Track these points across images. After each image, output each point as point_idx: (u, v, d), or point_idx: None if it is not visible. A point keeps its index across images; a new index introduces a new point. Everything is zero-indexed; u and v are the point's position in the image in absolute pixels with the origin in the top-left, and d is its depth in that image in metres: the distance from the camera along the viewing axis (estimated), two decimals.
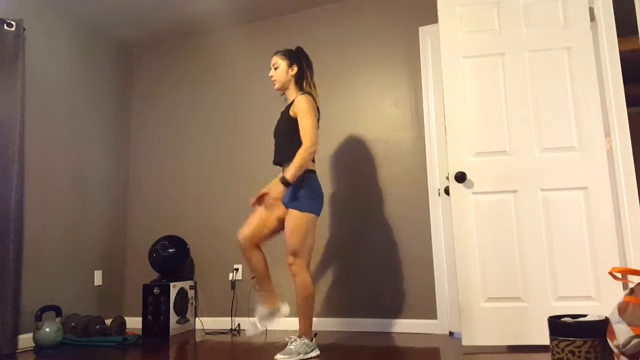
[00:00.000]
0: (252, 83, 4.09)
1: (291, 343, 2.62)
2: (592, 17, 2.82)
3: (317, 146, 2.69)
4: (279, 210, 2.76)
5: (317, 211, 2.71)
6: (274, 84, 2.90)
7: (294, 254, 2.65)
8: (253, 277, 2.83)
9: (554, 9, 2.83)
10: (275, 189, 2.62)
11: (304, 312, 2.66)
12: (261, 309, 2.77)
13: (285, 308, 2.80)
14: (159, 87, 4.47)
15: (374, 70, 3.72)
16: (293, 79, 2.87)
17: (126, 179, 4.40)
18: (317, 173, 3.76)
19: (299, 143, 2.69)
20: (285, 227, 2.70)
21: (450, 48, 2.92)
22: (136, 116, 4.51)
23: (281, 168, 2.83)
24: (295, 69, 2.87)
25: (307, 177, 2.72)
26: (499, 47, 2.87)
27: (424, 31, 3.57)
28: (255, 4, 3.90)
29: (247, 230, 2.74)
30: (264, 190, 2.64)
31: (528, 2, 2.87)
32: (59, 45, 3.84)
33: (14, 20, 3.34)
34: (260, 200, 2.70)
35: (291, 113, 2.76)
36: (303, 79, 2.87)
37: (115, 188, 4.27)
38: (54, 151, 3.71)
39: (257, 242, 2.75)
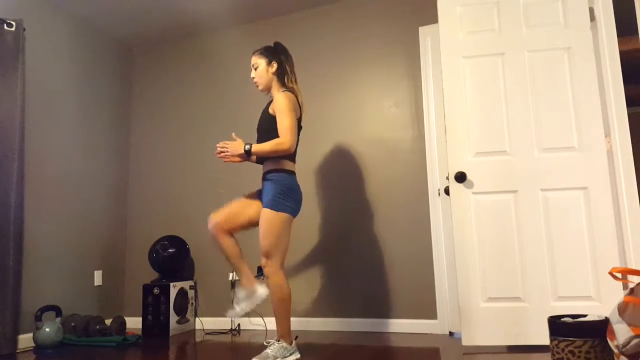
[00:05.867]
0: (251, 82, 4.08)
1: (269, 347, 2.56)
2: (592, 17, 2.81)
3: (294, 146, 2.62)
4: (254, 207, 2.74)
5: (292, 211, 2.64)
6: (257, 86, 2.80)
7: (267, 255, 2.58)
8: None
9: (554, 9, 2.83)
10: (237, 147, 2.63)
11: (280, 314, 2.58)
12: (240, 292, 2.70)
13: (262, 289, 2.66)
14: (159, 87, 4.47)
15: (374, 70, 3.72)
16: (275, 77, 2.78)
17: (126, 179, 4.40)
18: (316, 173, 3.77)
19: None
20: (259, 227, 2.62)
21: (450, 48, 2.92)
22: (136, 116, 4.51)
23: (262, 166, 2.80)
24: (275, 65, 2.77)
25: (285, 177, 2.64)
26: (499, 47, 2.87)
27: (424, 31, 3.57)
28: (255, 4, 3.90)
29: (219, 216, 2.67)
30: (226, 143, 2.65)
31: (528, 2, 2.87)
32: (59, 45, 3.84)
33: (14, 20, 3.34)
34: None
35: (270, 111, 2.70)
36: (284, 75, 2.77)
37: (115, 188, 4.27)
38: (54, 151, 3.71)
39: (229, 229, 2.67)
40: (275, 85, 2.78)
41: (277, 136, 2.62)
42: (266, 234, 2.58)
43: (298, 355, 2.62)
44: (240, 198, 2.79)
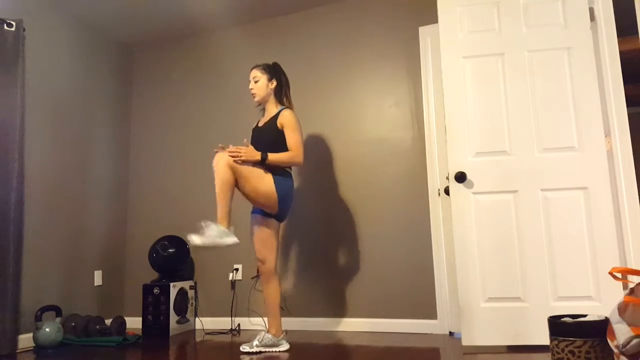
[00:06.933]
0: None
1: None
2: (592, 17, 2.82)
3: (302, 162, 2.90)
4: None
5: (282, 193, 2.82)
6: (254, 97, 3.04)
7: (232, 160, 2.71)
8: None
9: (554, 9, 2.83)
10: (252, 153, 2.78)
11: (221, 199, 2.68)
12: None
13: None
14: (159, 87, 4.47)
15: (374, 70, 3.72)
16: (272, 93, 3.04)
17: (126, 179, 4.40)
18: (317, 172, 3.77)
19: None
20: None
21: (450, 48, 2.92)
22: (136, 116, 4.51)
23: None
24: (274, 83, 3.04)
25: (288, 176, 2.91)
26: (499, 47, 2.87)
27: (424, 31, 3.57)
28: (254, 4, 3.90)
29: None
30: (238, 148, 2.75)
31: (528, 2, 2.87)
32: (59, 46, 3.84)
33: (14, 20, 3.34)
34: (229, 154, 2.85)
35: (278, 125, 2.91)
36: (282, 93, 3.05)
37: (115, 188, 4.27)
38: (54, 151, 3.71)
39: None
40: (271, 101, 3.05)
41: (285, 148, 2.89)
42: (254, 173, 2.76)
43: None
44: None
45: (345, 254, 3.60)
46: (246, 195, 2.83)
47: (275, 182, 2.82)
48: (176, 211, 4.20)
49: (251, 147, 2.82)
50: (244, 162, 2.84)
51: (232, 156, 2.77)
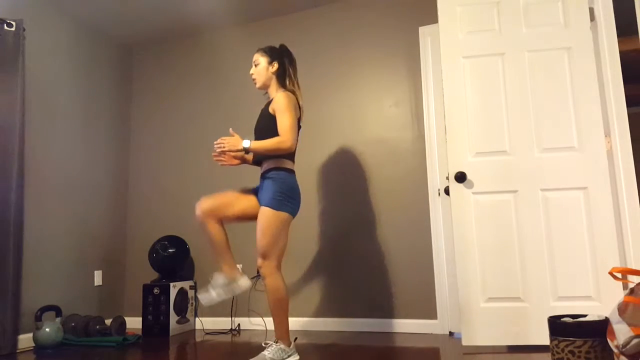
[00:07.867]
0: (252, 83, 4.08)
1: (267, 348, 2.50)
2: (592, 17, 2.81)
3: (295, 145, 2.57)
4: (247, 200, 2.69)
5: (292, 211, 2.58)
6: (255, 82, 2.78)
7: (264, 256, 2.51)
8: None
9: (554, 9, 2.83)
10: (235, 143, 2.55)
11: (278, 316, 2.52)
12: (219, 278, 2.59)
13: (244, 280, 2.61)
14: (159, 87, 4.47)
15: (374, 70, 3.72)
16: (274, 77, 2.75)
17: (126, 179, 4.40)
18: (317, 173, 3.77)
19: None
20: (257, 225, 2.55)
21: (450, 48, 2.92)
22: (136, 116, 4.51)
23: (260, 168, 2.74)
24: (275, 65, 2.74)
25: (286, 176, 2.60)
26: (499, 47, 2.87)
27: (424, 31, 3.57)
28: (255, 4, 3.90)
29: (209, 202, 2.60)
30: (223, 139, 2.57)
31: (528, 2, 2.87)
32: (59, 46, 3.84)
33: (14, 20, 3.34)
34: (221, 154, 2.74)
35: (270, 110, 2.65)
36: (285, 77, 2.75)
37: (115, 188, 4.27)
38: (54, 151, 3.71)
39: (218, 217, 2.59)
40: (273, 85, 2.76)
41: (276, 135, 2.59)
42: (264, 233, 2.52)
43: (297, 357, 2.58)
44: (235, 190, 2.75)
45: (345, 253, 3.60)
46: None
47: (272, 206, 2.53)
48: (176, 211, 4.20)
49: (235, 137, 2.56)
50: (229, 160, 2.79)
51: (216, 155, 2.65)
